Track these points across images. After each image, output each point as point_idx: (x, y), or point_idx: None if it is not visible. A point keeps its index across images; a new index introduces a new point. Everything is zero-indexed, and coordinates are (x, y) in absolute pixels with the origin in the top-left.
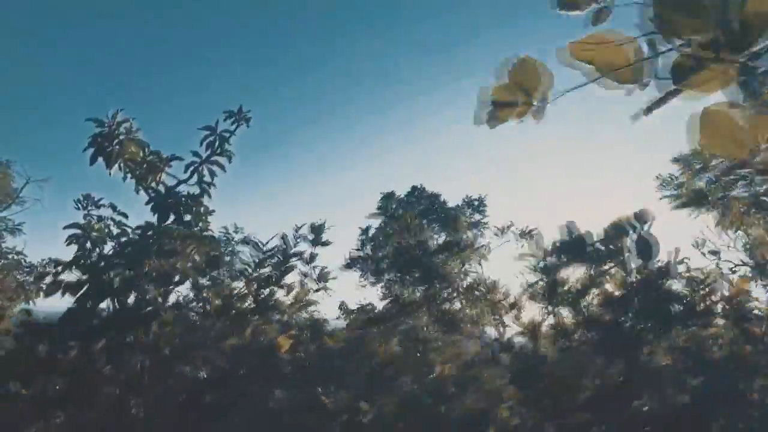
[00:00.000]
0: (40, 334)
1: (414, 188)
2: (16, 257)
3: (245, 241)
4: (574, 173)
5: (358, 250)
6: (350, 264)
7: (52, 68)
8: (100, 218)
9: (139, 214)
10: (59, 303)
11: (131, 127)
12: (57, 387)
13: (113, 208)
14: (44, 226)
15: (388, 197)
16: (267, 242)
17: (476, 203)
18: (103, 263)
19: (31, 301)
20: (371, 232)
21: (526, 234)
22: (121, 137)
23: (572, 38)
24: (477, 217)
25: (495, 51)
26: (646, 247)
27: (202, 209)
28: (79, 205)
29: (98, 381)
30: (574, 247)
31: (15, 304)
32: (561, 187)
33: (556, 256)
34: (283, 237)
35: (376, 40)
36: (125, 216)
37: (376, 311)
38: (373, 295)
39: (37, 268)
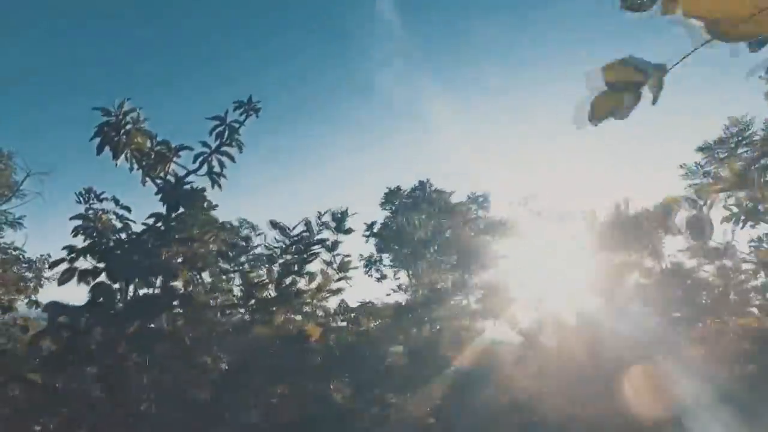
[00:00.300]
0: (67, 320)
1: (421, 183)
2: (14, 252)
3: (272, 225)
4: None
5: (383, 231)
6: (383, 248)
7: (55, 60)
8: (103, 211)
9: (140, 209)
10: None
11: (138, 116)
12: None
13: (116, 201)
14: (41, 220)
15: (394, 192)
16: (294, 227)
17: (480, 199)
18: (119, 250)
19: (32, 296)
20: (376, 227)
21: (566, 217)
22: (128, 127)
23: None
24: (481, 212)
25: (498, 46)
26: (703, 226)
27: (205, 204)
28: (81, 199)
29: (126, 369)
30: (635, 224)
31: (20, 297)
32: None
33: (609, 236)
34: (307, 223)
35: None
36: (128, 210)
37: (407, 301)
38: (379, 289)
39: (35, 263)
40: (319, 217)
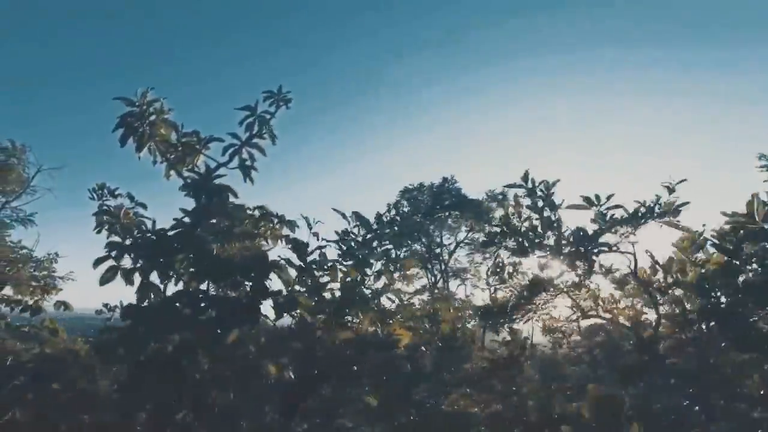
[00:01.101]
0: (146, 323)
1: (444, 179)
2: (21, 251)
3: (356, 218)
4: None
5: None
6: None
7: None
8: (127, 208)
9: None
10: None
11: (162, 107)
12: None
13: (131, 197)
14: (44, 218)
15: (415, 190)
16: (374, 222)
17: (500, 197)
18: (166, 247)
19: (46, 296)
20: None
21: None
22: (152, 118)
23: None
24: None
25: (506, 42)
26: None
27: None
28: (94, 195)
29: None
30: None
31: (46, 297)
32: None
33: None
34: (378, 217)
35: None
36: (144, 206)
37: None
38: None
39: (43, 262)
40: (388, 210)
